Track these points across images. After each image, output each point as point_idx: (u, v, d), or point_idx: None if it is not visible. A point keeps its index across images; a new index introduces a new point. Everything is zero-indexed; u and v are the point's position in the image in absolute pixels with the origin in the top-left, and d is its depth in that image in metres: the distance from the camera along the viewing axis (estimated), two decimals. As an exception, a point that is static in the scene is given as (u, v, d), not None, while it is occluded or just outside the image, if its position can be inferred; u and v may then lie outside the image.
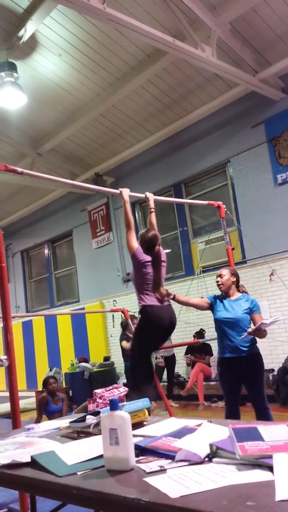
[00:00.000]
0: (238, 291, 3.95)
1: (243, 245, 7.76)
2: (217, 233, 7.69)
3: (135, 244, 3.58)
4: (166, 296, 3.59)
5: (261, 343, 3.85)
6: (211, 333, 6.77)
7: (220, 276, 3.91)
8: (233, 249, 5.09)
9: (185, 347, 7.93)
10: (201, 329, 7.71)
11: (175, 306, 3.77)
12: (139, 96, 7.87)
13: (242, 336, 3.62)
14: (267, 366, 4.08)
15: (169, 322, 3.57)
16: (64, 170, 9.78)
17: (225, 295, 3.91)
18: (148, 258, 3.53)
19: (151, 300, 3.49)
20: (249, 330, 3.56)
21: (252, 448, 1.28)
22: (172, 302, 3.72)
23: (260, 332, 3.59)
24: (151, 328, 3.52)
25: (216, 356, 4.61)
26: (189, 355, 7.79)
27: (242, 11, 5.97)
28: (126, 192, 3.86)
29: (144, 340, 3.58)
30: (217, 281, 3.92)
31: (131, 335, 6.43)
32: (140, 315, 3.64)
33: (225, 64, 6.35)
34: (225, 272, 3.92)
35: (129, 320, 6.14)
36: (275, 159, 7.32)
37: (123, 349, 7.24)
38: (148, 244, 3.56)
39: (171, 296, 3.68)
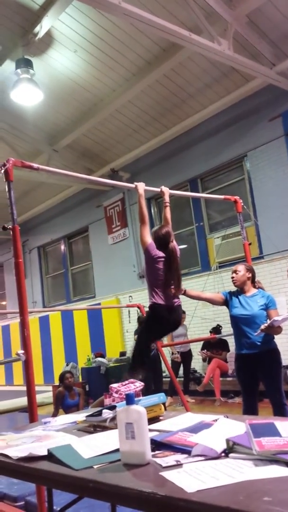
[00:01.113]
0: (254, 287, 3.91)
1: (260, 240, 7.69)
2: (234, 228, 7.64)
3: (148, 239, 3.55)
4: (178, 293, 3.57)
5: (278, 339, 3.82)
6: (227, 329, 6.74)
7: (235, 272, 3.89)
8: (250, 244, 5.05)
9: (201, 342, 7.90)
10: (217, 325, 7.67)
11: (191, 301, 3.76)
12: (155, 91, 7.83)
13: (256, 333, 3.59)
14: (284, 362, 4.03)
15: (172, 322, 3.62)
16: (80, 166, 9.81)
17: (240, 291, 3.88)
18: (160, 254, 3.50)
19: (160, 298, 3.48)
20: (262, 327, 3.52)
21: (269, 444, 1.26)
22: (182, 297, 3.71)
23: (273, 329, 3.55)
24: (155, 325, 3.63)
25: (233, 352, 4.59)
26: (206, 350, 7.77)
27: (259, 3, 5.89)
28: (141, 186, 3.84)
29: (147, 331, 3.72)
30: (232, 277, 3.91)
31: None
32: (148, 310, 3.66)
33: (241, 57, 6.28)
34: (241, 268, 3.89)
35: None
36: (292, 153, 7.22)
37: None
38: (161, 241, 3.53)
39: (182, 291, 3.66)
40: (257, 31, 6.49)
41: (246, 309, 3.75)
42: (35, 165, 3.36)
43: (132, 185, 3.93)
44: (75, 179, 9.27)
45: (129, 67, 7.31)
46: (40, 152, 9.58)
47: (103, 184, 9.91)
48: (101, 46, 6.88)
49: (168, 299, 3.50)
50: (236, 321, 3.80)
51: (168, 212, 3.91)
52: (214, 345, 7.72)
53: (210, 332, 7.68)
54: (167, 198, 4.00)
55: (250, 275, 3.88)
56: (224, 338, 7.44)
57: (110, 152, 9.70)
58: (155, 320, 3.58)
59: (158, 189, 4.10)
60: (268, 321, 3.62)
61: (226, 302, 3.90)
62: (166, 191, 4.06)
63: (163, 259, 3.49)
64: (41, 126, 8.97)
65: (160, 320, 3.55)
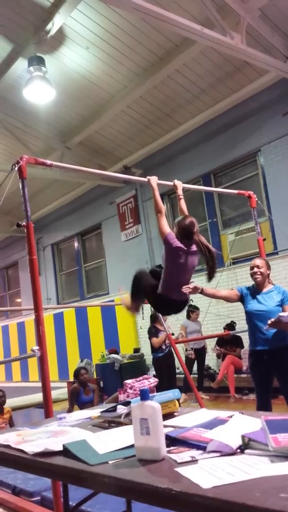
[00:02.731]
0: (269, 282, 3.88)
1: (274, 235, 7.62)
2: (248, 224, 7.58)
3: (167, 229, 3.45)
4: (193, 292, 3.47)
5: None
6: (242, 325, 6.70)
7: (257, 267, 3.82)
8: (264, 239, 5.00)
9: (215, 339, 7.87)
10: (232, 321, 7.63)
11: (205, 297, 3.72)
12: (167, 86, 7.80)
13: (265, 328, 3.55)
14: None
15: (173, 310, 3.72)
16: (93, 163, 9.82)
17: (257, 287, 3.84)
18: (181, 245, 3.37)
19: (169, 291, 3.41)
20: (269, 322, 3.44)
21: (286, 440, 1.25)
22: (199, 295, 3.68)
23: (281, 324, 3.48)
24: (158, 307, 3.86)
25: (247, 348, 4.55)
26: (219, 347, 7.74)
27: (272, -5, 5.83)
28: (154, 180, 3.82)
29: (145, 288, 3.65)
30: (255, 272, 3.82)
31: (160, 328, 6.44)
32: (155, 296, 3.57)
33: (254, 51, 6.21)
34: (263, 263, 3.83)
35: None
36: (307, 147, 7.14)
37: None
38: (185, 231, 3.38)
39: (199, 290, 3.60)
40: (269, 24, 6.41)
41: (262, 304, 3.71)
42: (48, 162, 3.38)
43: (145, 179, 3.91)
44: (87, 175, 9.29)
45: (140, 63, 7.29)
46: (53, 149, 9.62)
47: (115, 179, 9.92)
48: (113, 42, 6.87)
49: (177, 293, 3.41)
50: (251, 317, 3.76)
51: (183, 204, 3.85)
52: (228, 342, 7.69)
53: (224, 328, 7.65)
54: (180, 192, 3.97)
55: (269, 271, 3.85)
56: (238, 334, 7.40)
57: (122, 148, 9.70)
58: (157, 307, 3.85)
59: (171, 183, 4.07)
60: (281, 313, 3.56)
61: (242, 298, 3.86)
62: (179, 184, 4.03)
63: (183, 252, 3.37)
64: (54, 124, 9.00)
65: (161, 309, 3.88)
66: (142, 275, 3.73)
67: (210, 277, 3.41)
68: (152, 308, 5.21)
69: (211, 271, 3.39)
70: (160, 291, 3.45)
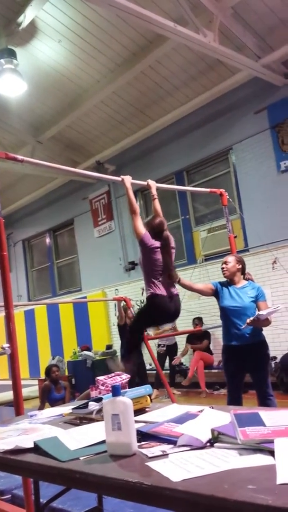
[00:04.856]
0: (244, 278, 3.94)
1: (245, 233, 7.74)
2: (220, 221, 7.67)
3: (143, 229, 3.52)
4: (174, 280, 3.59)
5: (264, 331, 3.85)
6: (213, 321, 6.78)
7: (225, 263, 3.90)
8: (235, 237, 5.07)
9: (186, 335, 7.94)
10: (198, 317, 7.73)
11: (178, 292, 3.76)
12: (140, 82, 7.79)
13: (242, 327, 3.61)
14: (270, 354, 4.09)
15: (173, 313, 3.63)
16: (65, 158, 9.73)
17: (230, 282, 3.90)
18: (157, 243, 3.48)
19: (159, 289, 3.47)
20: (247, 321, 3.53)
21: (254, 433, 1.28)
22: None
23: (260, 322, 3.57)
24: (155, 317, 3.65)
25: (219, 344, 4.62)
26: (187, 343, 7.80)
27: (245, -5, 5.89)
28: (127, 180, 3.82)
29: (144, 323, 3.77)
30: (222, 268, 3.91)
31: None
32: (146, 301, 3.63)
33: (227, 50, 6.27)
34: (231, 259, 3.91)
35: (131, 308, 6.15)
36: (278, 146, 7.27)
37: (120, 328, 7.21)
38: (156, 230, 3.53)
39: (177, 279, 3.67)
40: (242, 23, 6.48)
41: (236, 300, 3.77)
42: (20, 157, 3.33)
43: (118, 178, 3.91)
44: (60, 171, 9.20)
45: (114, 58, 7.25)
46: (24, 143, 9.47)
47: (88, 177, 9.85)
48: (86, 37, 6.81)
49: (168, 288, 3.50)
50: (226, 312, 3.81)
51: (157, 204, 3.91)
52: (197, 337, 7.76)
53: (195, 323, 7.72)
54: (154, 191, 3.99)
55: (240, 266, 3.90)
56: (208, 330, 7.48)
57: (95, 144, 9.64)
58: (156, 313, 3.59)
59: (145, 183, 4.08)
60: (259, 311, 3.65)
61: (216, 293, 3.91)
62: (153, 184, 4.05)
63: (159, 248, 3.48)
64: (25, 117, 8.86)
65: (161, 313, 3.57)
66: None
67: (171, 274, 3.51)
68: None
69: (171, 267, 3.52)
70: (151, 293, 3.49)
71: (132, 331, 3.89)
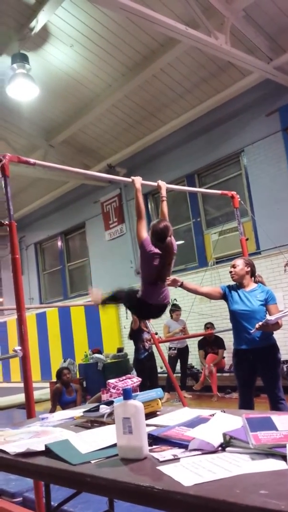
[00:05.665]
0: (254, 281, 3.91)
1: (257, 235, 7.69)
2: (231, 224, 7.63)
3: (144, 234, 3.47)
4: (172, 285, 3.58)
5: (275, 334, 3.82)
6: (225, 325, 6.74)
7: (233, 266, 3.88)
8: (247, 239, 5.04)
9: (197, 339, 7.90)
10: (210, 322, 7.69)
11: (188, 297, 3.75)
12: (152, 85, 7.81)
13: (252, 331, 3.58)
14: (282, 357, 4.05)
15: (155, 315, 3.70)
16: (77, 161, 9.78)
17: (239, 285, 3.87)
18: (156, 250, 3.40)
19: (149, 297, 3.44)
20: (256, 325, 3.51)
21: (266, 438, 1.27)
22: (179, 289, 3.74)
23: (269, 326, 3.53)
24: (139, 313, 4.09)
25: (230, 347, 4.60)
26: (202, 350, 7.75)
27: (256, -3, 5.87)
28: (138, 180, 3.79)
29: (129, 303, 3.82)
30: (230, 271, 3.90)
31: (144, 328, 6.48)
32: (137, 302, 3.62)
33: (238, 52, 6.26)
34: (239, 262, 3.88)
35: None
36: (289, 149, 7.22)
37: (134, 333, 7.11)
38: (159, 236, 3.43)
39: (178, 283, 3.64)
40: (253, 25, 6.46)
41: (246, 304, 3.74)
42: (32, 161, 3.35)
43: (129, 179, 3.90)
44: (71, 174, 9.25)
45: (125, 62, 7.28)
46: (36, 147, 9.55)
47: (99, 179, 9.88)
48: (98, 41, 6.85)
49: (157, 297, 3.45)
50: (235, 316, 3.79)
51: (165, 206, 3.86)
52: (210, 343, 7.70)
53: (207, 327, 7.68)
54: (164, 193, 3.96)
55: (249, 269, 3.86)
56: (219, 335, 7.42)
57: (106, 147, 9.67)
58: (140, 313, 3.97)
59: (155, 184, 4.07)
60: (268, 316, 3.62)
61: (225, 297, 3.89)
62: (163, 185, 4.02)
63: (158, 256, 3.39)
64: (37, 122, 8.93)
65: (145, 314, 3.93)
66: (123, 288, 4.02)
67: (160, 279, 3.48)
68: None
69: (166, 275, 3.47)
70: (141, 295, 3.48)
71: (118, 296, 3.92)
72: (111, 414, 1.79)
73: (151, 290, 3.43)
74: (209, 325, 7.68)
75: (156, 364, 6.98)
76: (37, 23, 6.20)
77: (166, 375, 7.01)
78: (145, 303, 3.47)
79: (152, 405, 1.92)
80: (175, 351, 7.78)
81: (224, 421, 1.57)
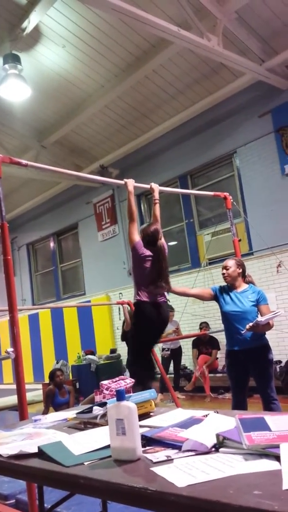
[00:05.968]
0: (245, 281, 3.92)
1: (250, 236, 7.72)
2: (224, 225, 7.65)
3: (136, 237, 3.52)
4: (163, 289, 3.54)
5: (268, 335, 3.83)
6: (217, 325, 6.76)
7: (225, 268, 3.88)
8: (239, 240, 5.06)
9: (191, 339, 7.91)
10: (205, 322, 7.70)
11: (181, 298, 3.76)
12: (144, 87, 7.81)
13: (243, 332, 3.59)
14: (274, 357, 4.07)
15: (160, 320, 3.58)
16: (69, 162, 9.76)
17: (231, 286, 3.88)
18: (148, 252, 3.47)
19: (145, 296, 3.47)
20: (247, 327, 3.52)
21: (259, 438, 1.27)
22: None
23: (259, 327, 3.55)
24: (143, 324, 3.55)
25: (224, 348, 4.61)
26: (195, 349, 7.76)
27: (248, -1, 5.90)
28: (130, 183, 3.80)
29: (140, 335, 3.60)
30: (223, 273, 3.90)
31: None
32: (134, 309, 3.66)
33: (231, 54, 6.28)
34: (231, 263, 3.88)
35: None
36: (282, 149, 7.26)
37: (126, 334, 7.12)
38: (150, 239, 3.50)
39: (166, 290, 3.64)
40: (246, 27, 6.49)
41: (237, 305, 3.75)
42: (24, 162, 3.34)
43: (122, 182, 3.90)
44: (64, 175, 9.23)
45: (118, 63, 7.28)
46: (28, 148, 9.51)
47: (92, 180, 9.87)
48: (90, 42, 6.84)
49: (153, 296, 3.49)
50: (227, 317, 3.80)
51: (157, 209, 3.87)
52: (204, 343, 7.72)
53: (202, 327, 7.69)
54: (156, 195, 3.97)
55: (240, 270, 3.87)
56: (214, 336, 7.45)
57: (99, 148, 9.66)
58: (143, 320, 3.52)
59: (148, 186, 4.07)
60: (259, 316, 3.63)
61: (216, 298, 3.89)
62: (156, 187, 4.03)
63: (150, 258, 3.46)
64: (29, 122, 8.90)
65: (147, 319, 3.48)
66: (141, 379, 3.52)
67: (159, 285, 3.45)
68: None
69: (161, 277, 3.45)
70: (135, 300, 3.49)
71: (136, 354, 3.69)
72: (104, 415, 1.78)
73: (145, 291, 3.47)
74: (204, 325, 7.69)
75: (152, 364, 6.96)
76: (29, 24, 6.18)
77: (159, 376, 7.01)
78: (142, 306, 3.46)
79: (146, 406, 1.92)
80: (168, 352, 7.79)
81: (217, 421, 1.57)
